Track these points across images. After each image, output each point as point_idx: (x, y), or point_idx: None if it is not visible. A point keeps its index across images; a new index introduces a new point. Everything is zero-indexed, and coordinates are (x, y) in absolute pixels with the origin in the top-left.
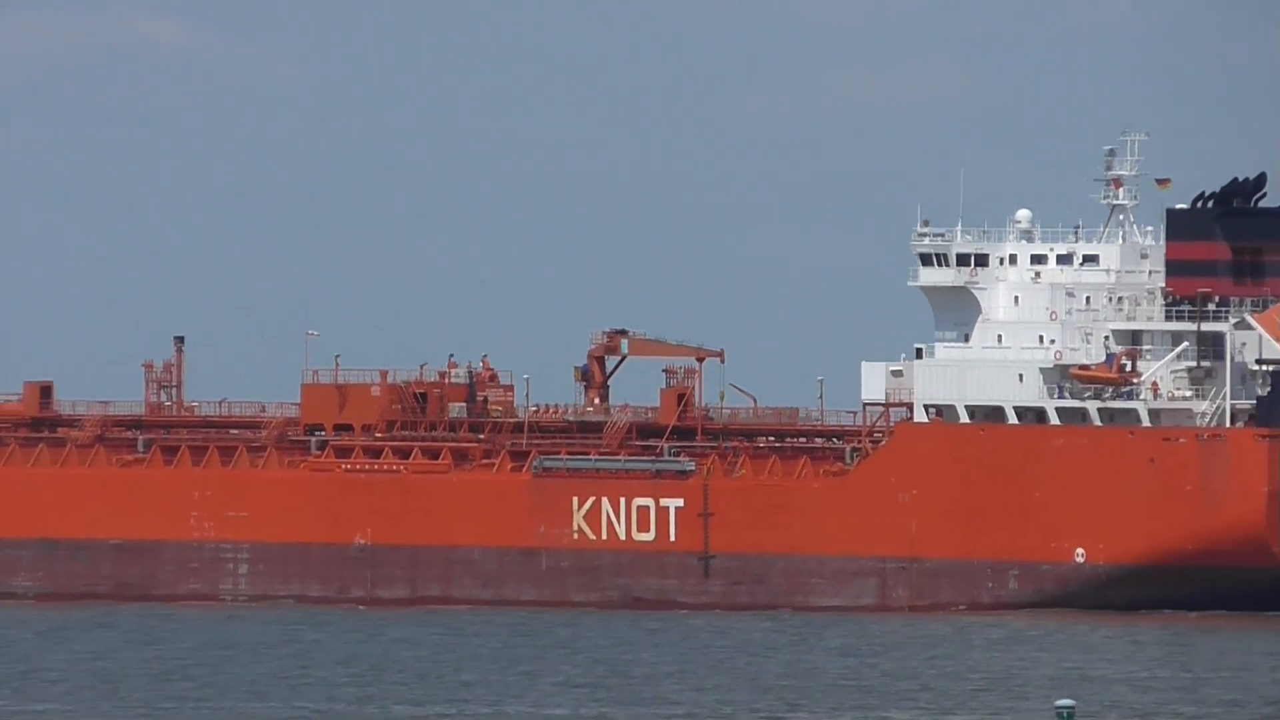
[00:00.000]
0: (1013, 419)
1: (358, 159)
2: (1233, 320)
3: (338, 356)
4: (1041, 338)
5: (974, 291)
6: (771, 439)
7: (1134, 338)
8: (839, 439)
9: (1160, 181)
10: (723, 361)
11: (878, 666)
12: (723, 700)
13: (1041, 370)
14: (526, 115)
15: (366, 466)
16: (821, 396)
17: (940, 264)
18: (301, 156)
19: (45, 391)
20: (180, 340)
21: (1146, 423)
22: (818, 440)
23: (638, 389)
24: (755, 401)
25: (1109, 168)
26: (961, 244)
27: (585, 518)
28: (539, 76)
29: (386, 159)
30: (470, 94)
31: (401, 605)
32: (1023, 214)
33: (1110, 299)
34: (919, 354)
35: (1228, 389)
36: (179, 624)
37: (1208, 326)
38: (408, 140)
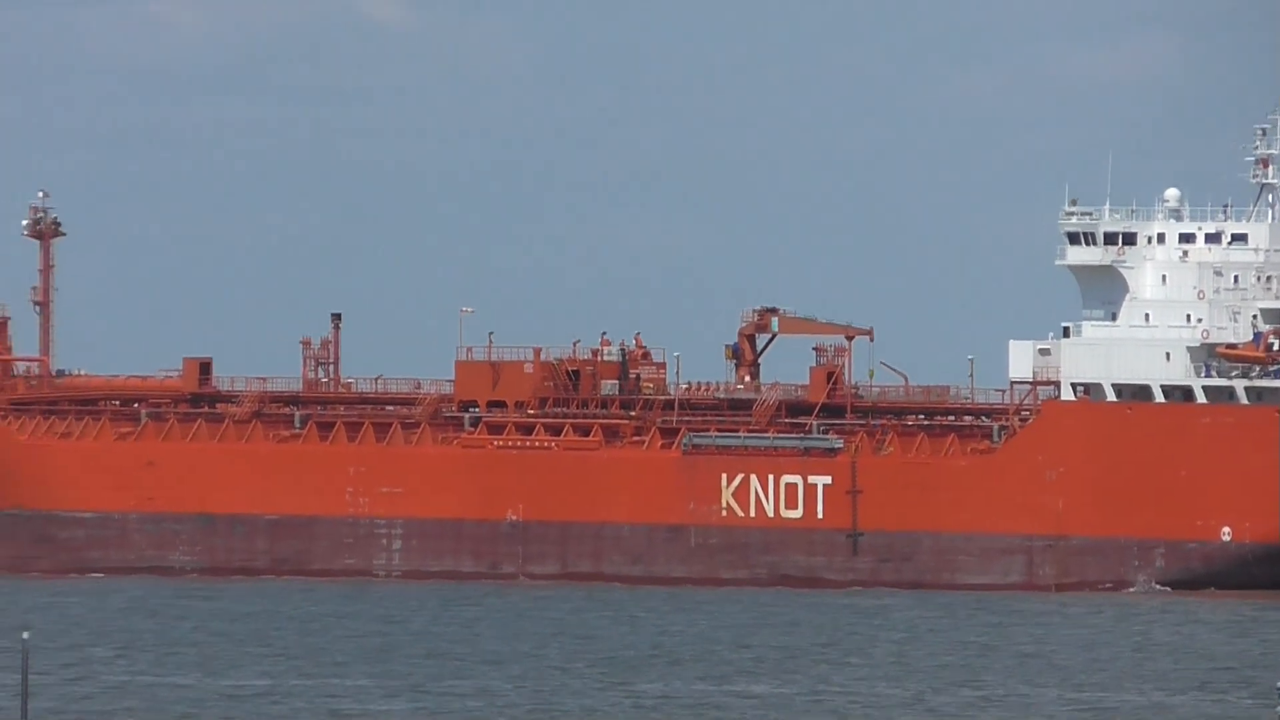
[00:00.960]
0: (1159, 397)
1: (523, 141)
2: None
3: (491, 334)
4: (1189, 316)
5: (1121, 270)
6: (920, 417)
7: None
8: (987, 417)
9: None
10: (872, 340)
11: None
12: None
13: (1188, 349)
14: (686, 96)
15: (518, 443)
16: (972, 375)
17: (1088, 243)
18: (468, 137)
19: (204, 368)
20: (337, 317)
21: None
22: (966, 419)
23: (788, 367)
24: (906, 380)
25: (1258, 146)
26: (1109, 223)
27: (734, 495)
28: (707, 60)
29: (549, 140)
30: (638, 79)
31: (551, 581)
32: (1171, 193)
33: (1259, 278)
34: (1066, 333)
35: None
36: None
37: None
38: (574, 122)
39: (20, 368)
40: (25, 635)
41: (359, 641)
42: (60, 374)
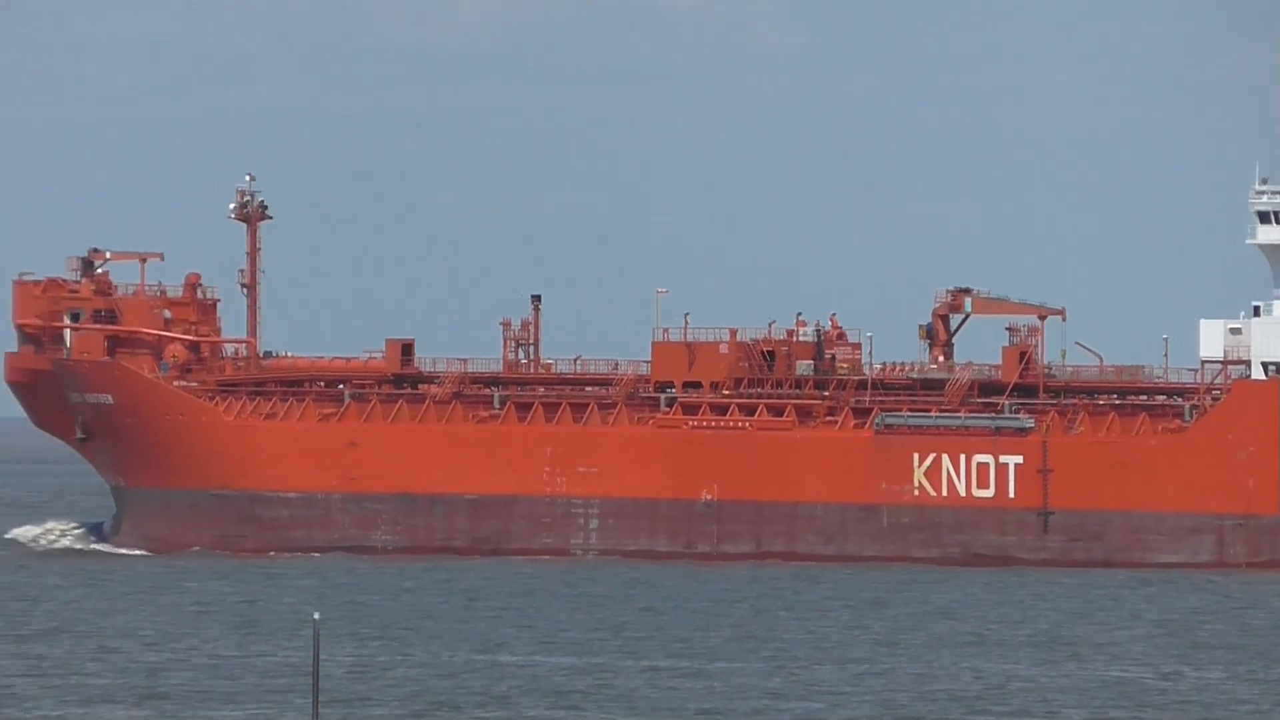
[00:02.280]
0: None
1: (728, 124)
2: None
3: (687, 315)
4: None
5: None
6: (1112, 397)
7: None
8: (1178, 397)
9: None
10: (1064, 319)
11: None
12: None
13: None
14: (900, 83)
15: (713, 423)
16: (1166, 355)
17: (1278, 221)
18: (677, 121)
19: (406, 349)
20: (537, 299)
21: None
22: (1158, 398)
23: (981, 347)
24: (1101, 360)
25: None
26: None
27: (926, 474)
28: (919, 52)
29: (758, 125)
30: (845, 61)
31: (746, 560)
32: None
33: None
34: (1257, 312)
35: None
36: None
37: None
38: (792, 111)
39: (229, 349)
40: (316, 616)
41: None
42: (267, 355)
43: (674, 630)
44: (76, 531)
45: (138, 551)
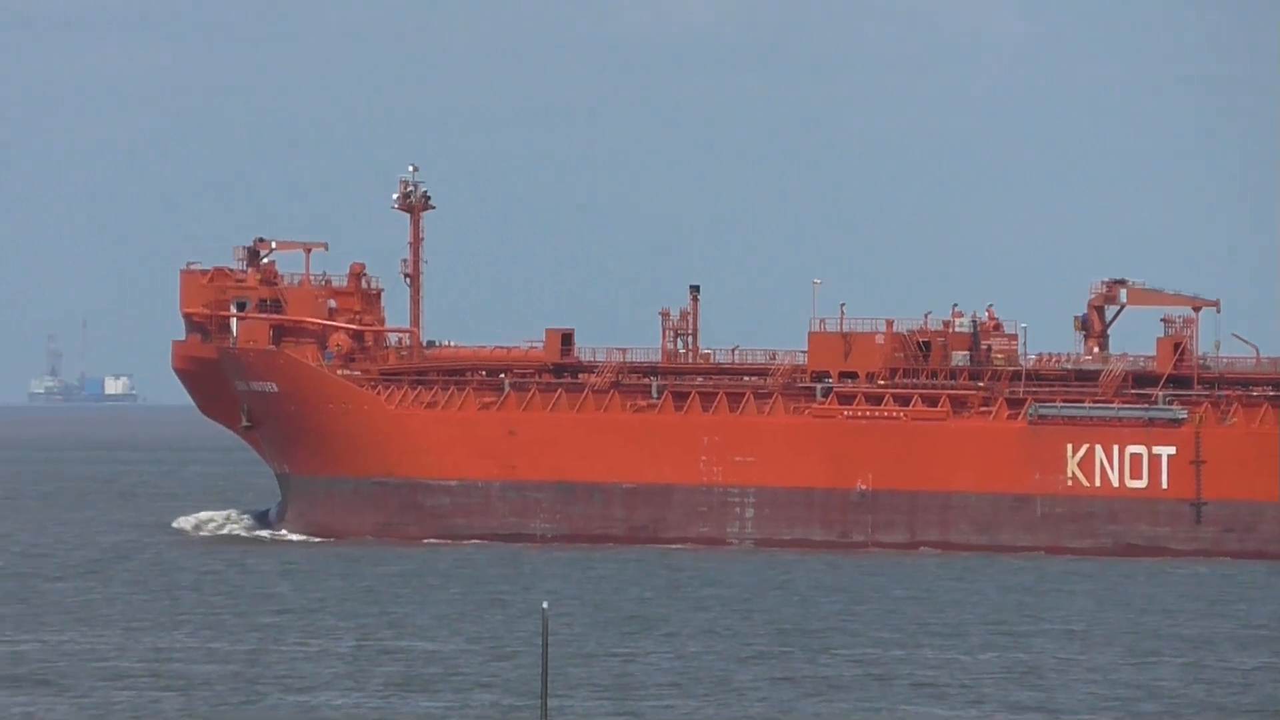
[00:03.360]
0: None
1: (896, 117)
2: None
3: (843, 305)
4: None
5: None
6: (1267, 389)
7: None
8: None
9: None
10: (1218, 311)
11: None
12: None
13: None
14: (1034, 78)
15: (868, 413)
16: None
17: None
18: (841, 112)
19: (566, 339)
20: (695, 289)
21: None
22: None
23: (1136, 338)
24: (1257, 352)
25: None
26: None
27: (1079, 465)
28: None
29: (922, 118)
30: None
31: (900, 550)
32: None
33: None
34: None
35: None
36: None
37: None
38: (953, 105)
39: (392, 339)
40: (545, 605)
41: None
42: (430, 345)
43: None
44: (242, 519)
45: (303, 538)
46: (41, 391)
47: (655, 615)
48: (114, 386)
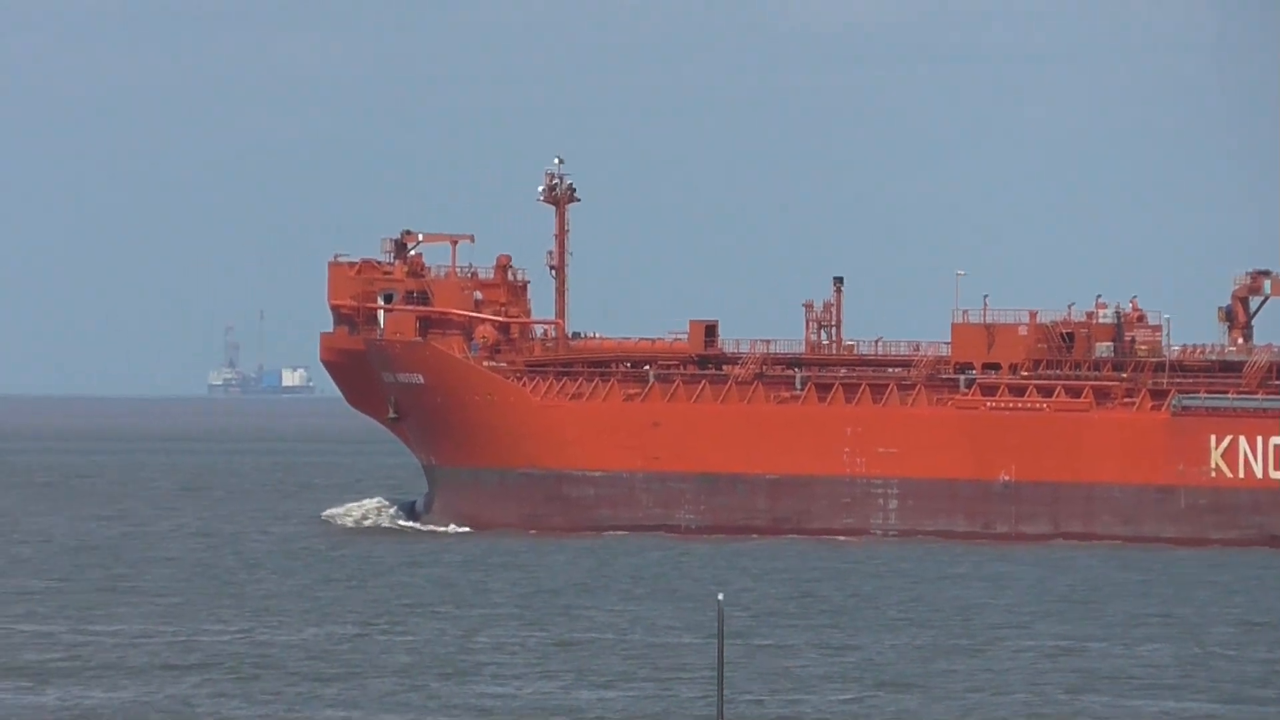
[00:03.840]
0: None
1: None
2: None
3: (986, 296)
4: None
5: None
6: None
7: None
8: None
9: None
10: None
11: None
12: None
13: None
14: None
15: (1010, 404)
16: None
17: None
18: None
19: (710, 330)
20: (839, 281)
21: None
22: None
23: None
24: None
25: None
26: None
27: (1223, 456)
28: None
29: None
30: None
31: (1043, 541)
32: None
33: None
34: None
35: None
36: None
37: None
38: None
39: (537, 330)
40: (720, 597)
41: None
42: (575, 336)
43: None
44: (389, 510)
45: (453, 529)
46: (220, 383)
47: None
48: (291, 378)
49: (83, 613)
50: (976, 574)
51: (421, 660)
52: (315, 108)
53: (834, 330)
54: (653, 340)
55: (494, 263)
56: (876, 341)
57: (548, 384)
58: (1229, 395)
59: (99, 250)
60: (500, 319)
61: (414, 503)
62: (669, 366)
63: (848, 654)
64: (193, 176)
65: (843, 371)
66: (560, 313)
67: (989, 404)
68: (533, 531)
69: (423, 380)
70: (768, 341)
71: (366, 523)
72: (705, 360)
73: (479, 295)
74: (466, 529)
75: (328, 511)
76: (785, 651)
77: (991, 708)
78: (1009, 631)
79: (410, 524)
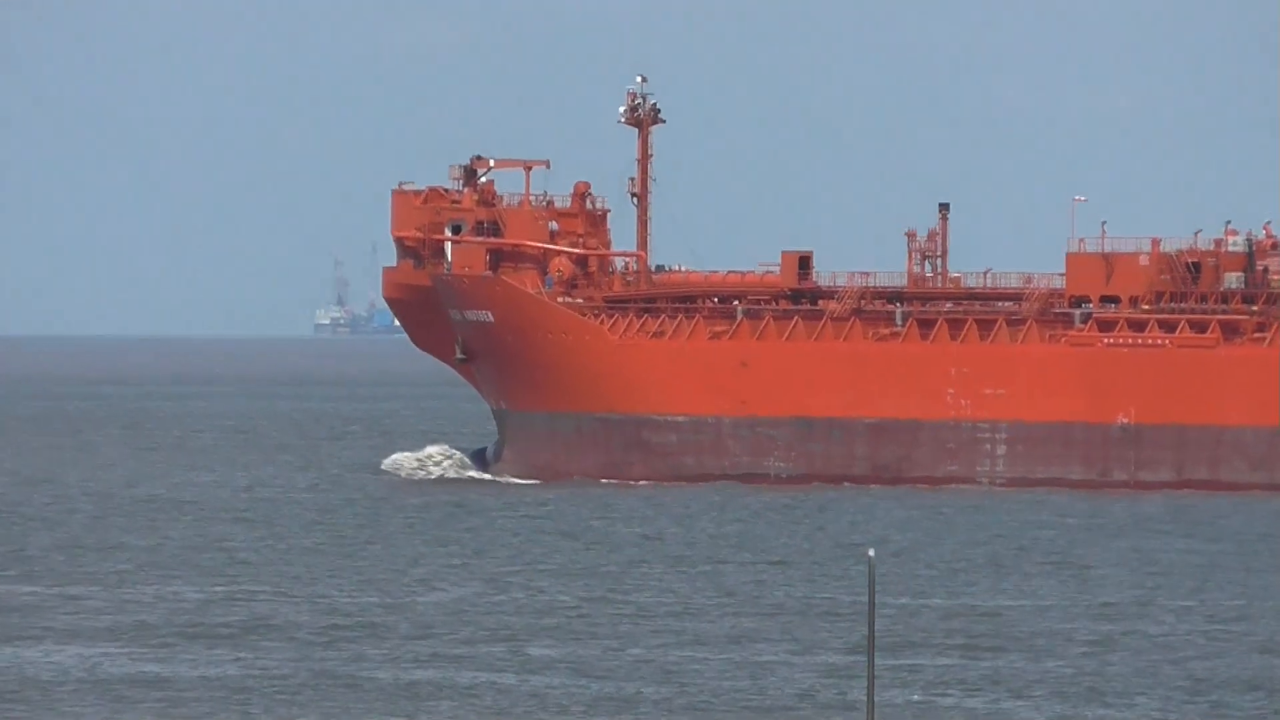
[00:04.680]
0: None
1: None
2: None
3: (1104, 223)
4: None
5: None
6: None
7: None
8: None
9: None
10: None
11: None
12: None
13: None
14: None
15: (1130, 341)
16: None
17: None
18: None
19: (803, 262)
20: (945, 207)
21: None
22: None
23: None
24: None
25: None
26: None
27: None
28: None
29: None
30: None
31: (1166, 489)
32: None
33: None
34: None
35: None
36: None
37: None
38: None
39: (618, 263)
40: (870, 553)
41: None
42: (658, 270)
43: None
44: (457, 457)
45: (520, 480)
46: (327, 323)
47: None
48: None
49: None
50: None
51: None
52: (389, 22)
53: (938, 261)
54: (742, 273)
55: (571, 190)
56: (985, 273)
57: (628, 321)
58: None
59: (201, 180)
60: (577, 251)
61: (484, 449)
62: (759, 302)
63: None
64: (297, 103)
65: (947, 306)
66: (642, 244)
67: (1106, 340)
68: (610, 481)
69: (493, 318)
70: (866, 274)
71: (424, 473)
72: (798, 295)
73: (554, 225)
74: (534, 480)
75: (391, 458)
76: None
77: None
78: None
79: (477, 474)
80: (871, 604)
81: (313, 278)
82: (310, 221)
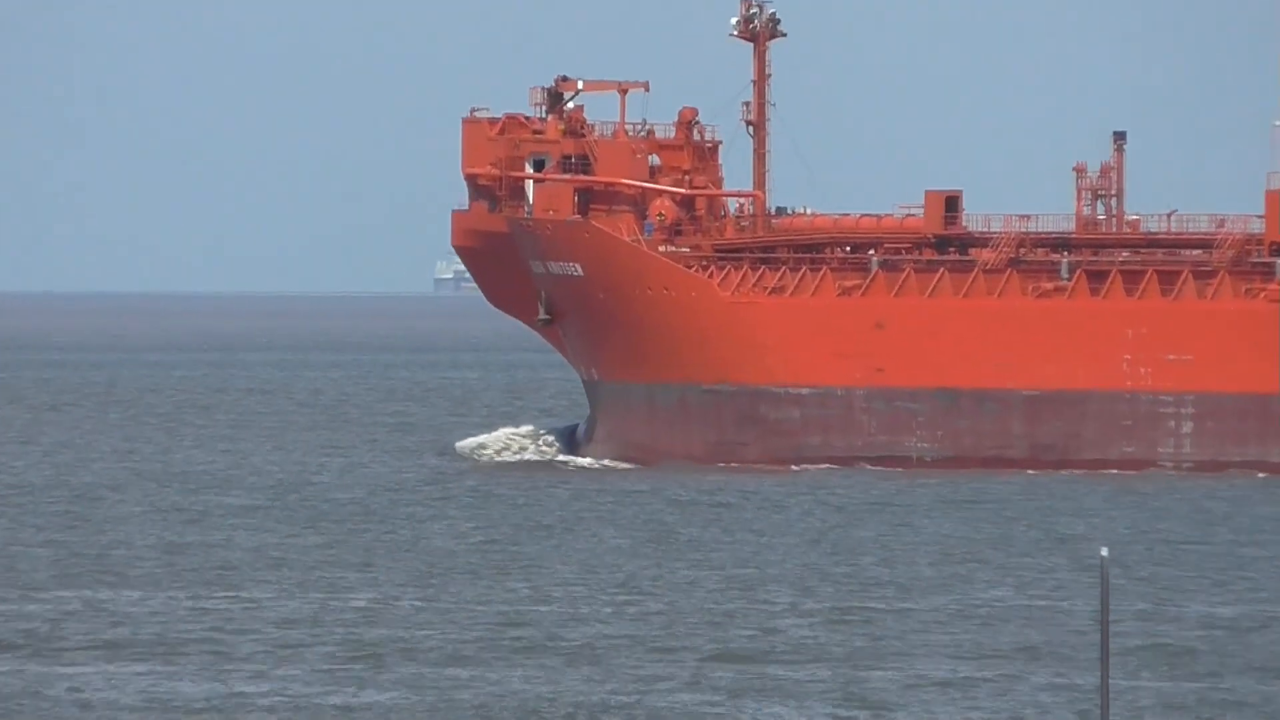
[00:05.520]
0: None
1: None
2: None
3: None
4: None
5: None
6: None
7: None
8: None
9: None
10: None
11: None
12: None
13: None
14: None
15: None
16: None
17: None
18: None
19: (950, 203)
20: (1120, 137)
21: None
22: None
23: None
24: None
25: None
26: None
27: None
28: None
29: None
30: None
31: None
32: None
33: None
34: None
35: None
36: None
37: None
38: None
39: (730, 205)
40: (1104, 552)
41: None
42: (779, 213)
43: None
44: (544, 439)
45: (615, 463)
46: (449, 276)
47: None
48: None
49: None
50: None
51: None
52: None
53: (1112, 201)
54: (877, 217)
55: (675, 118)
56: (1168, 215)
57: (741, 275)
58: None
59: (310, 129)
60: (682, 191)
61: (574, 428)
62: (898, 251)
63: None
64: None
65: (1123, 255)
66: (759, 183)
67: None
68: (722, 465)
69: (582, 271)
70: (1025, 217)
71: (510, 455)
72: (945, 242)
73: (655, 160)
74: (630, 463)
75: (465, 441)
76: None
77: None
78: None
79: (566, 458)
80: (1105, 610)
81: (431, 228)
82: (429, 167)
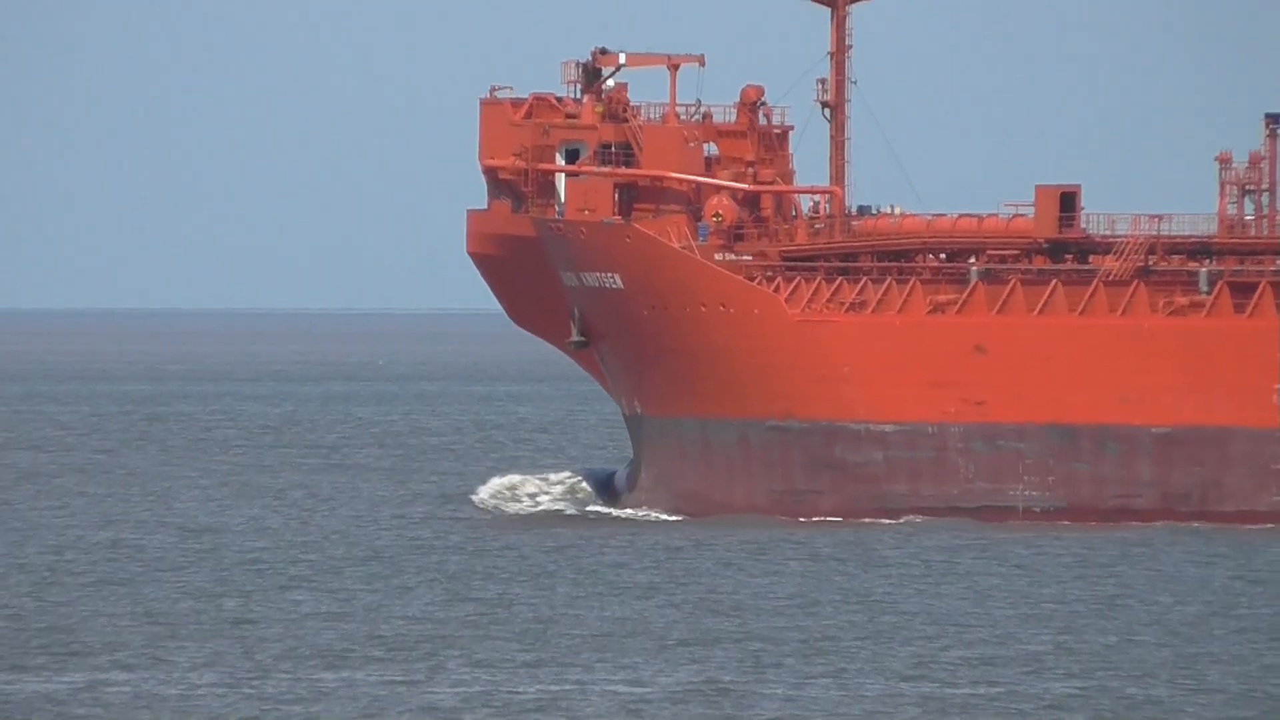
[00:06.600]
0: None
1: None
2: None
3: None
4: None
5: None
6: None
7: None
8: None
9: None
10: None
11: None
12: None
13: None
14: None
15: None
16: None
17: None
18: None
19: (1066, 201)
20: (1274, 120)
21: None
22: None
23: None
24: None
25: None
26: None
27: None
28: None
29: None
30: None
31: None
32: None
33: None
34: None
35: None
36: None
37: None
38: None
39: (803, 204)
40: None
41: None
42: (861, 212)
43: None
44: (574, 486)
45: (663, 515)
46: None
47: None
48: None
49: None
50: None
51: None
52: None
53: (1263, 199)
54: (978, 218)
55: (735, 99)
56: None
57: (814, 287)
58: None
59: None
60: (744, 186)
61: (614, 474)
62: (1002, 259)
63: None
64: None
65: (1276, 264)
66: (838, 176)
67: None
68: (790, 518)
69: (623, 283)
70: (1157, 218)
71: (536, 506)
72: (1059, 248)
73: (712, 149)
74: (680, 515)
75: (485, 488)
76: None
77: None
78: None
79: (601, 508)
80: None
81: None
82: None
